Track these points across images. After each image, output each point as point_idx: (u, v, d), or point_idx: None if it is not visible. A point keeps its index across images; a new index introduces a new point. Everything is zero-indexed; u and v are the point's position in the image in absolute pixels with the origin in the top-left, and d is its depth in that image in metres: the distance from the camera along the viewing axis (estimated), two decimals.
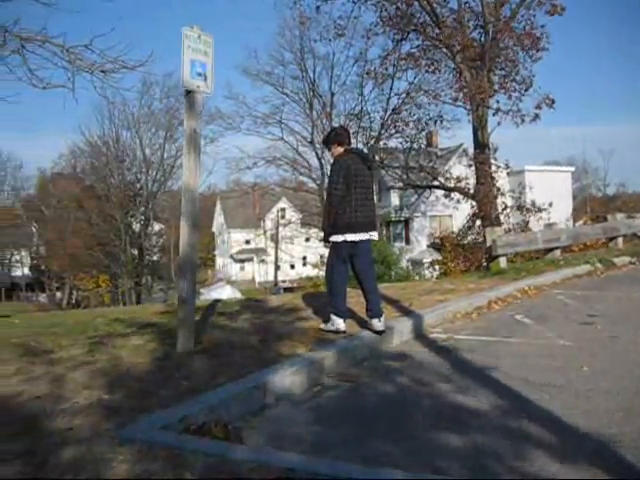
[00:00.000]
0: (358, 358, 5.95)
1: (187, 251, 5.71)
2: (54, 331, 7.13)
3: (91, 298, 51.68)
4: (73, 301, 57.59)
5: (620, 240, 18.22)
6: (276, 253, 58.30)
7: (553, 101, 21.24)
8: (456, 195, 25.98)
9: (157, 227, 57.48)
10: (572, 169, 50.03)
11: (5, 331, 7.44)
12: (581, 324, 7.51)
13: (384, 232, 41.57)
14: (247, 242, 70.74)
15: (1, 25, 7.73)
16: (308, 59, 41.31)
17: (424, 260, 35.98)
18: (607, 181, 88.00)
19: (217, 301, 9.85)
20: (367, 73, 29.20)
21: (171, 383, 4.67)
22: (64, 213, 56.37)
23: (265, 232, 63.08)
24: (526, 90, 21.70)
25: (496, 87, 22.12)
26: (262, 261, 68.16)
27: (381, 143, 31.39)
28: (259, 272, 69.11)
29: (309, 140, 42.41)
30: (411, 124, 27.78)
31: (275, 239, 59.44)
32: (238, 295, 32.14)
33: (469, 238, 25.78)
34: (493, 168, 24.14)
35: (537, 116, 21.35)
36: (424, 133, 29.19)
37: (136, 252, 51.26)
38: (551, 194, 28.64)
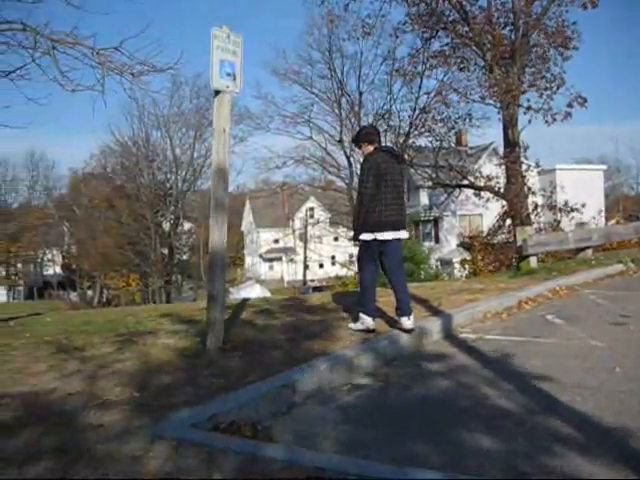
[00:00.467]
0: (387, 357, 5.93)
1: (216, 250, 5.74)
2: (85, 329, 7.21)
3: (121, 297, 52.18)
4: (104, 299, 58.19)
5: None
6: (305, 252, 58.37)
7: (585, 100, 20.97)
8: (486, 194, 25.74)
9: (187, 226, 57.83)
10: (604, 167, 49.38)
11: (38, 329, 7.54)
12: (613, 325, 7.41)
13: (413, 231, 41.40)
14: (276, 241, 70.90)
15: (32, 27, 7.84)
16: (336, 58, 41.22)
17: (453, 259, 35.80)
18: None
19: (246, 300, 9.89)
20: (396, 70, 29.06)
21: (201, 381, 4.69)
22: (95, 212, 56.99)
23: (294, 231, 63.25)
24: (557, 88, 21.45)
25: (526, 85, 21.89)
26: (291, 260, 68.29)
27: (410, 142, 31.24)
28: (288, 271, 69.20)
29: (338, 139, 42.32)
30: (440, 123, 27.62)
31: (304, 238, 59.52)
32: (267, 294, 32.23)
33: (499, 237, 25.58)
34: (524, 167, 23.89)
35: (568, 114, 21.09)
36: (453, 132, 28.97)
37: (166, 251, 51.64)
38: (582, 193, 28.33)
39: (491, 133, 43.12)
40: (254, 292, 36.33)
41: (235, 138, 41.66)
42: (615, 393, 4.68)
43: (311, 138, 43.62)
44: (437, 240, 44.17)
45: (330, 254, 62.99)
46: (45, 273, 77.50)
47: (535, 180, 28.01)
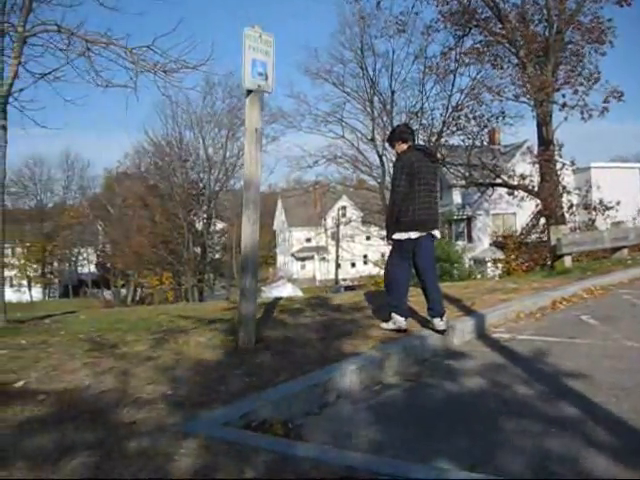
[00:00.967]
0: (419, 357, 5.91)
1: (249, 249, 5.76)
2: (119, 327, 7.29)
3: (155, 295, 52.67)
4: (137, 298, 58.81)
5: None
6: (337, 251, 58.40)
7: (621, 94, 20.73)
8: (520, 193, 25.50)
9: (219, 225, 58.14)
10: None
11: (73, 327, 7.64)
12: None
13: (446, 231, 41.17)
14: (308, 240, 71.02)
15: (67, 28, 7.94)
16: (368, 57, 41.12)
17: (486, 259, 35.49)
18: None
19: (278, 299, 9.91)
20: (429, 67, 28.99)
21: (233, 379, 4.71)
22: (129, 212, 57.55)
23: (326, 230, 63.28)
24: (593, 84, 21.20)
25: (561, 82, 21.66)
26: (323, 259, 68.37)
27: (442, 140, 31.08)
28: (320, 270, 69.29)
29: (370, 138, 42.23)
30: (473, 121, 27.45)
31: (336, 237, 59.55)
32: (299, 293, 32.32)
33: (533, 237, 25.32)
34: (558, 165, 23.65)
35: (605, 110, 20.85)
36: (486, 130, 28.79)
37: (199, 250, 51.98)
38: (618, 191, 27.90)
39: (525, 131, 42.86)
40: (286, 291, 36.47)
41: (267, 137, 41.86)
42: None
43: (343, 137, 43.60)
44: (470, 239, 43.86)
45: (362, 253, 62.90)
46: (80, 272, 78.60)
47: (570, 179, 27.70)
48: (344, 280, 58.90)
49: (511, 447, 3.71)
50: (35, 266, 70.16)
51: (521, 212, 30.86)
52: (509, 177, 26.61)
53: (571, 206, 24.41)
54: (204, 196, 52.46)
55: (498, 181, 27.62)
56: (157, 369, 5.04)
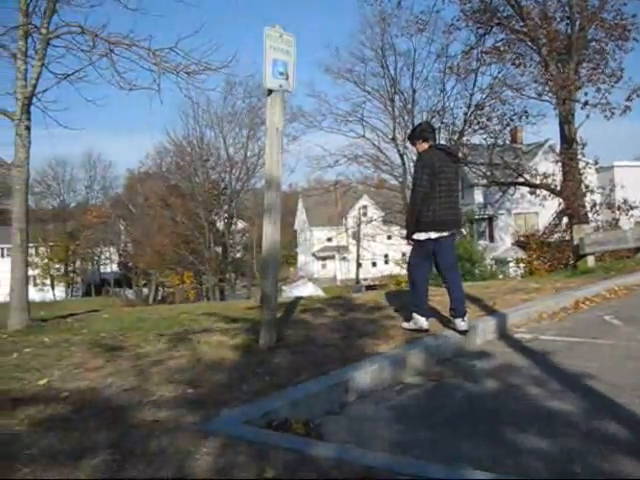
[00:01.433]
0: (441, 357, 5.89)
1: (270, 248, 5.77)
2: (141, 326, 7.33)
3: (176, 294, 52.96)
4: (159, 297, 59.16)
5: None
6: (358, 251, 58.25)
7: None
8: (542, 192, 25.30)
9: (240, 225, 58.31)
10: None
11: (95, 326, 7.70)
12: None
13: (467, 230, 40.98)
14: (329, 240, 70.95)
15: (90, 29, 8.00)
16: (389, 56, 41.01)
17: (509, 259, 35.26)
18: None
19: (299, 298, 9.91)
20: (450, 68, 28.86)
21: (253, 378, 4.72)
22: (150, 211, 57.89)
23: (347, 230, 63.15)
24: (616, 82, 20.99)
25: (584, 80, 21.47)
26: (344, 259, 68.25)
27: (464, 139, 30.94)
28: (341, 270, 69.20)
29: (391, 137, 42.13)
30: (495, 120, 27.28)
31: (357, 237, 59.42)
32: (319, 293, 32.34)
33: (555, 236, 25.13)
34: (581, 164, 23.41)
35: (628, 108, 20.66)
36: (508, 129, 28.60)
37: (220, 249, 52.18)
38: None
39: (547, 130, 42.53)
40: (307, 290, 36.50)
41: (288, 137, 41.79)
42: None
43: (364, 136, 43.49)
44: (492, 239, 43.62)
45: (383, 253, 62.75)
46: (102, 271, 79.25)
47: (593, 178, 27.41)
48: (365, 280, 58.78)
49: (533, 448, 3.68)
50: (58, 265, 70.76)
51: (543, 211, 30.63)
52: (531, 176, 26.40)
53: (594, 205, 24.17)
54: (225, 196, 52.66)
55: (520, 180, 27.43)
56: (178, 368, 5.07)
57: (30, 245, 11.10)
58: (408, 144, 7.70)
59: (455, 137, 31.12)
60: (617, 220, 24.50)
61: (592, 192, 24.40)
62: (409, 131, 7.47)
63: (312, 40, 55.29)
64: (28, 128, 8.05)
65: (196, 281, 52.87)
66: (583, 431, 3.93)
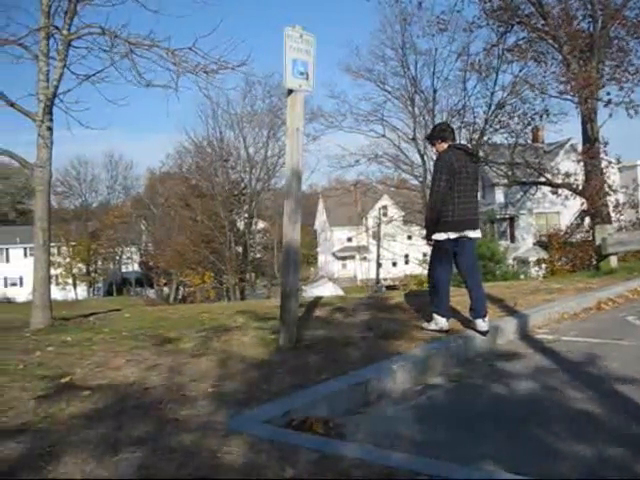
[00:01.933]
0: (461, 358, 5.86)
1: (290, 248, 5.78)
2: (162, 325, 7.38)
3: (197, 294, 53.15)
4: (179, 296, 59.41)
5: None
6: (378, 251, 58.20)
7: None
8: (564, 192, 25.12)
9: (261, 225, 58.39)
10: None
11: (117, 325, 7.76)
12: None
13: (488, 229, 40.78)
14: (349, 240, 70.93)
15: (110, 30, 8.07)
16: (409, 55, 40.93)
17: (530, 259, 35.05)
18: None
19: (320, 298, 9.92)
20: (471, 64, 28.72)
21: (274, 378, 4.73)
22: (171, 211, 58.14)
23: (367, 230, 63.09)
24: None
25: (606, 78, 21.30)
26: (364, 259, 68.16)
27: (485, 138, 30.80)
28: (361, 270, 69.13)
29: (411, 137, 42.03)
30: (516, 119, 27.14)
31: (377, 237, 59.35)
32: (340, 292, 32.29)
33: (578, 236, 24.93)
34: (603, 163, 23.22)
35: None
36: (530, 128, 28.43)
37: (240, 249, 52.27)
38: None
39: (569, 129, 42.05)
40: (327, 290, 36.51)
41: (308, 137, 41.80)
42: None
43: (384, 136, 43.42)
44: (513, 239, 43.37)
45: (404, 252, 62.61)
46: (123, 270, 79.81)
47: (616, 177, 27.20)
48: (385, 280, 58.71)
49: (556, 450, 3.66)
50: (80, 265, 71.37)
51: (565, 211, 30.42)
52: (553, 175, 26.23)
53: (617, 205, 23.96)
54: (245, 195, 52.71)
55: (542, 180, 27.27)
56: (200, 367, 5.09)
57: (52, 245, 11.21)
58: (427, 144, 7.64)
59: (476, 136, 30.98)
60: None
61: (615, 191, 24.21)
62: (428, 132, 7.45)
63: (332, 39, 55.27)
64: (50, 129, 8.13)
65: (216, 281, 52.95)
66: (604, 431, 3.90)
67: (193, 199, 52.54)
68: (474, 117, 32.36)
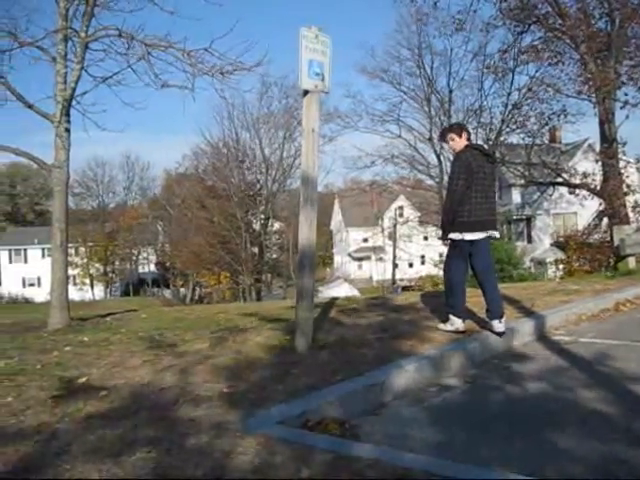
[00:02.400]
0: (477, 359, 5.84)
1: (306, 249, 5.78)
2: (178, 326, 7.41)
3: (213, 294, 53.32)
4: (196, 297, 59.65)
5: None
6: (394, 251, 58.06)
7: None
8: (582, 192, 24.97)
9: (277, 225, 58.48)
10: None
11: (133, 325, 7.80)
12: None
13: (505, 231, 40.59)
14: (365, 240, 70.82)
15: (127, 32, 8.12)
16: (425, 55, 40.92)
17: (547, 260, 34.86)
18: None
19: (335, 299, 9.92)
20: (487, 67, 28.65)
21: (289, 378, 4.74)
22: (187, 212, 58.33)
23: (383, 230, 62.97)
24: None
25: (624, 78, 21.13)
26: (380, 259, 68.00)
27: (502, 139, 30.68)
28: (377, 270, 68.97)
29: (427, 137, 41.98)
30: (533, 119, 27.01)
31: (393, 237, 59.23)
32: (355, 293, 32.29)
33: (595, 237, 24.76)
34: (621, 163, 23.05)
35: None
36: (547, 128, 28.28)
37: (256, 250, 52.35)
38: None
39: (587, 129, 41.89)
40: (342, 291, 36.49)
41: (324, 137, 41.88)
42: None
43: (400, 136, 43.41)
44: (530, 240, 43.17)
45: (420, 253, 62.47)
46: (140, 271, 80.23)
47: (635, 177, 26.96)
48: (401, 280, 58.55)
49: (573, 452, 3.63)
50: (97, 265, 71.85)
51: (583, 211, 30.28)
52: (570, 176, 26.10)
53: (636, 205, 23.76)
54: (261, 196, 52.79)
55: (559, 180, 27.13)
56: (215, 367, 5.10)
57: (70, 245, 11.28)
58: (442, 140, 7.53)
59: (492, 136, 30.87)
60: None
61: (633, 192, 24.00)
62: (442, 129, 7.43)
63: (347, 40, 55.27)
64: (68, 130, 8.19)
65: (232, 281, 53.09)
66: (622, 433, 3.86)
67: (209, 200, 52.67)
68: (490, 117, 32.30)
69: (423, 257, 61.54)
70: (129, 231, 72.88)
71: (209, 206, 52.33)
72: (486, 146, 25.90)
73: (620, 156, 22.79)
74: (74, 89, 8.17)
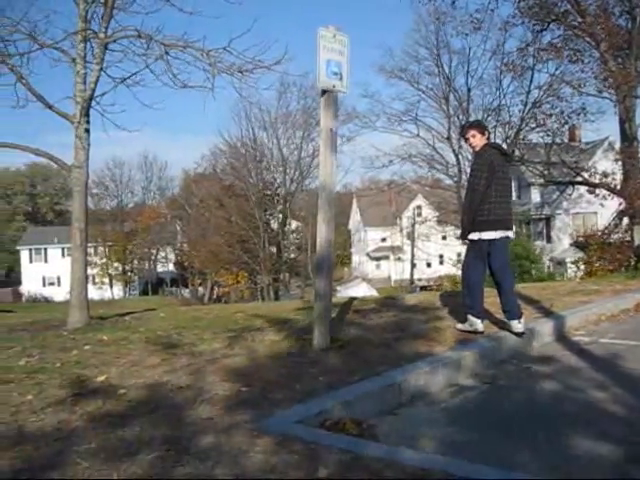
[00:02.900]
0: (496, 359, 5.81)
1: (324, 249, 5.78)
2: (196, 325, 7.44)
3: (231, 294, 53.47)
4: (214, 296, 59.84)
5: None
6: (412, 251, 57.99)
7: None
8: (602, 191, 24.76)
9: (294, 225, 58.54)
10: None
11: (152, 324, 7.83)
12: None
13: (524, 230, 40.35)
14: (383, 240, 70.73)
15: (146, 33, 8.15)
16: (443, 54, 40.82)
17: (567, 259, 34.61)
18: None
19: (353, 298, 9.91)
20: (505, 65, 28.47)
21: (307, 378, 4.73)
22: (205, 212, 58.56)
23: (401, 230, 62.89)
24: None
25: None
26: (398, 259, 67.88)
27: (521, 137, 30.50)
28: (395, 270, 68.86)
29: (445, 136, 41.85)
30: (552, 117, 26.82)
31: (411, 237, 59.13)
32: (374, 293, 32.26)
33: (616, 237, 24.55)
34: None
35: None
36: (566, 127, 28.07)
37: (274, 249, 52.50)
38: None
39: (607, 127, 41.60)
40: (361, 290, 36.51)
41: (342, 137, 41.87)
42: None
43: (418, 135, 43.30)
44: (549, 239, 42.89)
45: (438, 253, 62.27)
46: (159, 270, 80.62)
47: None
48: (419, 280, 58.41)
49: (589, 451, 3.60)
50: (116, 264, 72.28)
51: (603, 211, 29.99)
52: (590, 175, 25.87)
53: None
54: (279, 196, 52.94)
55: (578, 179, 26.93)
56: (233, 367, 5.11)
57: (89, 245, 11.35)
58: (462, 142, 7.51)
59: (511, 134, 30.71)
60: None
61: None
62: (463, 125, 7.40)
63: (365, 41, 55.20)
64: (87, 130, 8.25)
65: (250, 281, 53.28)
66: None
67: (227, 199, 52.90)
68: (509, 116, 32.13)
69: (441, 257, 61.33)
70: (147, 231, 73.19)
71: (227, 205, 52.56)
72: (504, 145, 25.83)
73: None
74: (94, 90, 8.21)
